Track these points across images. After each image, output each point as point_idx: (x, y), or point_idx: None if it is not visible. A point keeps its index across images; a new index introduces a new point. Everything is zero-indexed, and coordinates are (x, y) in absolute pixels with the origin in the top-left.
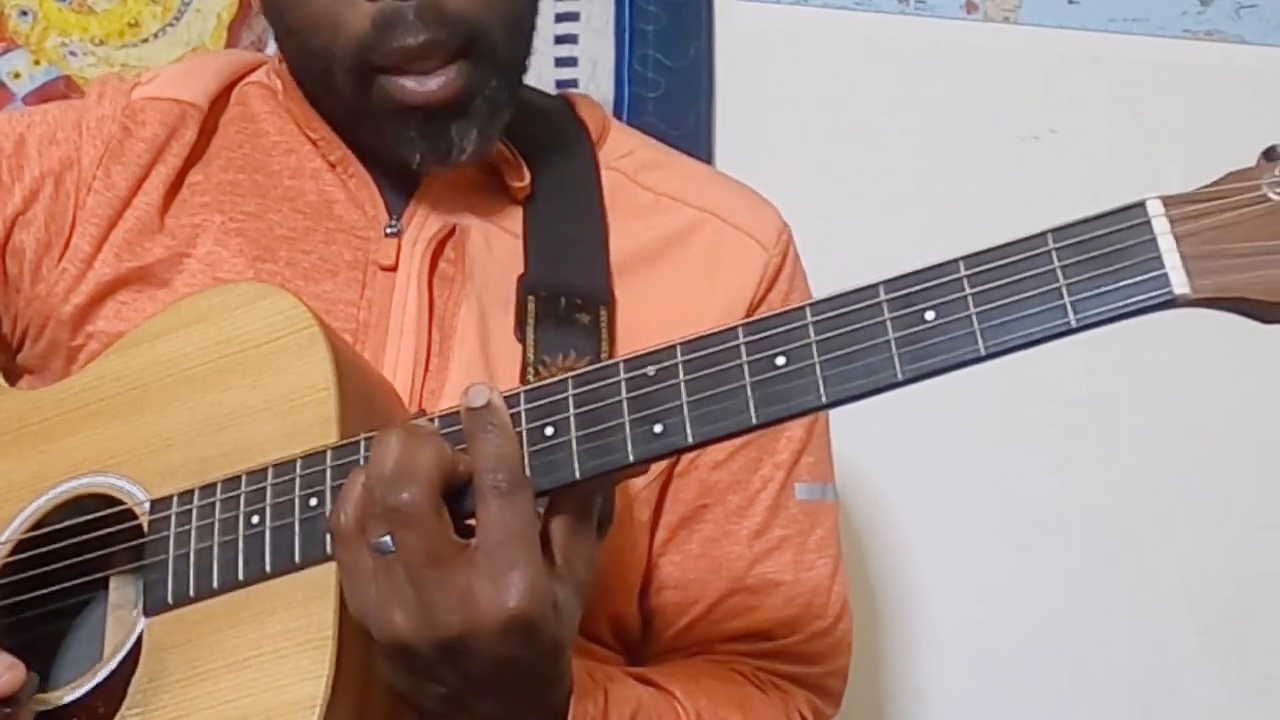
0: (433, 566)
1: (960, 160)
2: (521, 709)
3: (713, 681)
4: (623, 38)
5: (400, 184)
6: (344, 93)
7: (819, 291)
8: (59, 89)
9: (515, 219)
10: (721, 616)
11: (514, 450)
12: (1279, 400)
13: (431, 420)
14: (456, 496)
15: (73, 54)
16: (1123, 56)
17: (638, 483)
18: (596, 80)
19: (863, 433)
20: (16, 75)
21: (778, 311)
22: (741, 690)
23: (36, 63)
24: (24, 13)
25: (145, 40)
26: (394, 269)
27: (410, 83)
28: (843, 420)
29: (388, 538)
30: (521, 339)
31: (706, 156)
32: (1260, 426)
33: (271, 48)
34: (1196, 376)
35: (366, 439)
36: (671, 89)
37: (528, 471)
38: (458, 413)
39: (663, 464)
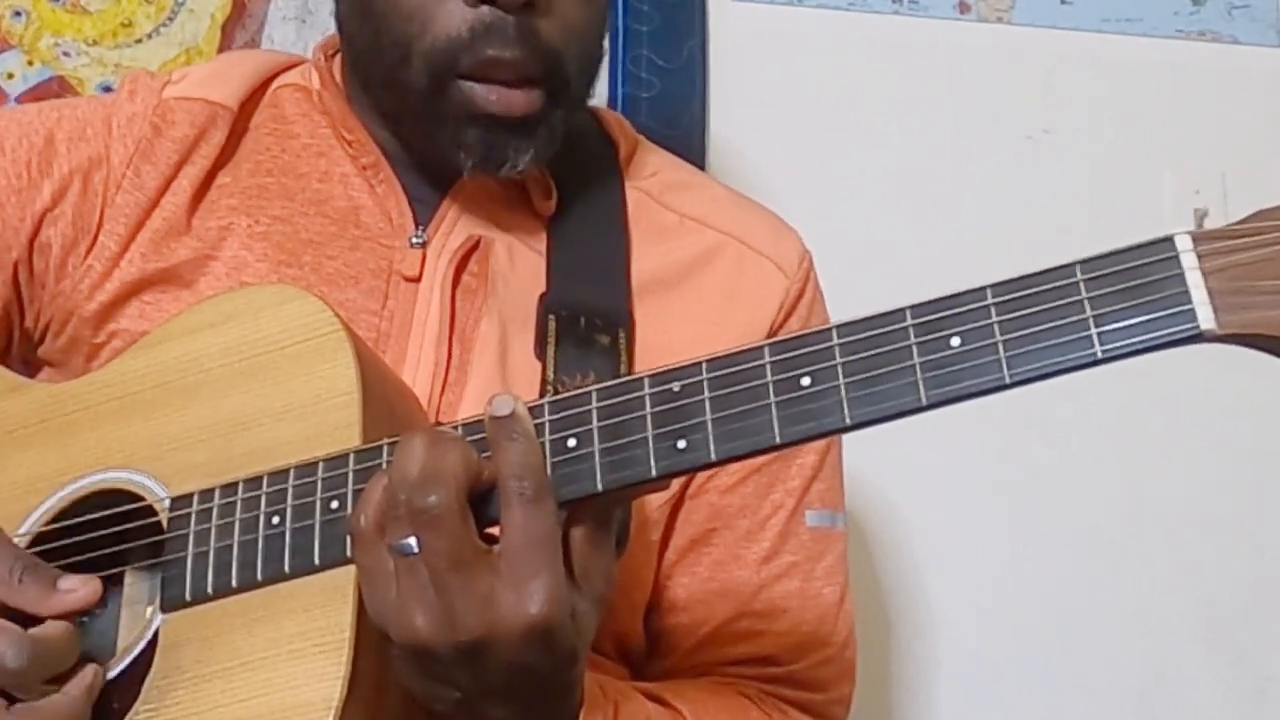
0: (456, 569)
1: (954, 160)
2: (533, 717)
3: (719, 702)
4: (617, 38)
5: (428, 193)
6: (413, 87)
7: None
8: (53, 89)
9: (539, 235)
10: (728, 640)
11: (539, 458)
12: (1277, 402)
13: (455, 428)
14: (479, 503)
15: (66, 54)
16: (1116, 57)
17: (649, 503)
18: None
19: (875, 449)
20: (10, 76)
21: (804, 332)
22: (746, 713)
23: (30, 63)
24: (17, 13)
25: (139, 40)
26: (417, 280)
27: (490, 93)
28: (859, 438)
29: (411, 539)
30: (541, 358)
31: (700, 157)
32: (1260, 426)
33: (267, 44)
34: (1196, 377)
35: (389, 444)
36: (665, 89)
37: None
38: (480, 422)
39: (679, 482)
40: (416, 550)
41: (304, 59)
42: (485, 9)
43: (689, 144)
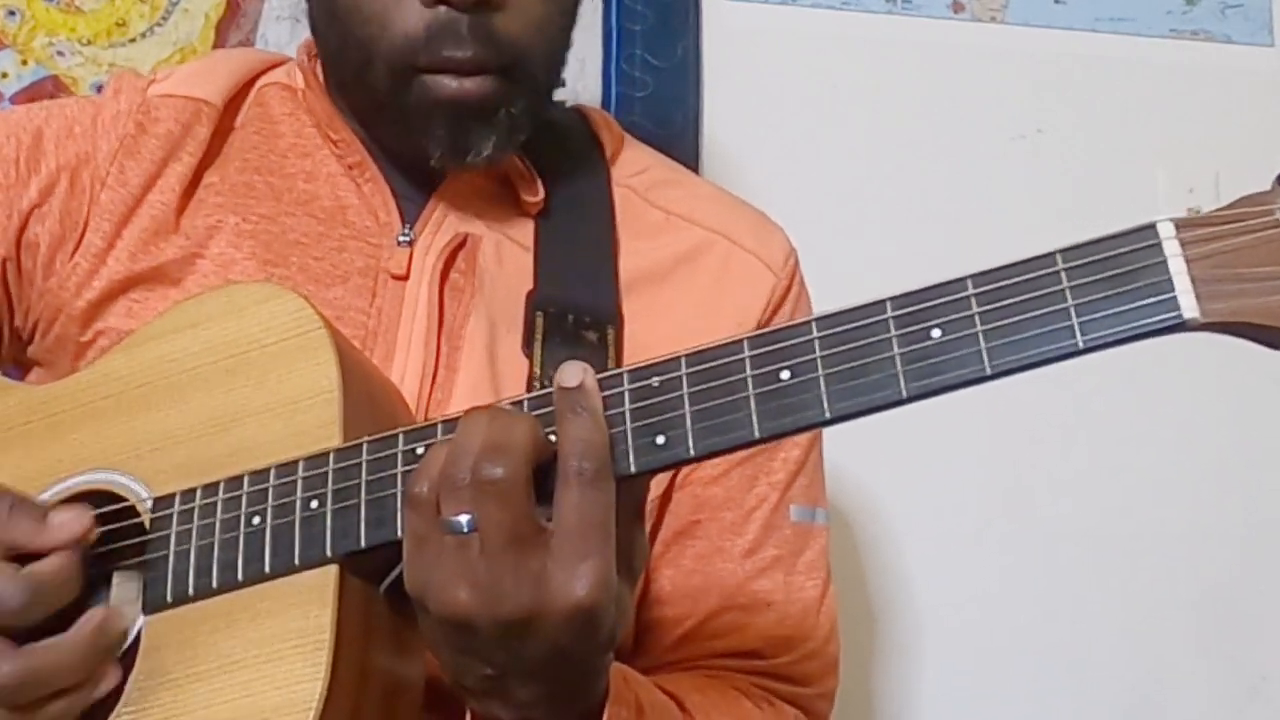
0: (513, 546)
1: (947, 159)
2: (560, 699)
3: (716, 696)
4: (610, 37)
5: (414, 191)
6: (379, 85)
7: (812, 291)
8: (47, 89)
9: (527, 232)
10: (713, 633)
11: (603, 437)
12: (1268, 402)
13: (520, 404)
14: (539, 480)
15: (60, 54)
16: (1109, 56)
17: None
18: (584, 80)
19: (862, 443)
20: (4, 75)
21: (784, 325)
22: (740, 705)
23: (24, 63)
24: (11, 12)
25: (133, 40)
26: (405, 278)
27: (450, 82)
28: (843, 433)
29: (464, 516)
30: (529, 355)
31: (694, 156)
32: (1250, 429)
33: (261, 44)
34: (1187, 381)
35: (369, 442)
36: (659, 89)
37: None
38: (539, 398)
39: (665, 475)
40: (466, 530)
41: (289, 57)
42: (441, 9)
43: (682, 143)
